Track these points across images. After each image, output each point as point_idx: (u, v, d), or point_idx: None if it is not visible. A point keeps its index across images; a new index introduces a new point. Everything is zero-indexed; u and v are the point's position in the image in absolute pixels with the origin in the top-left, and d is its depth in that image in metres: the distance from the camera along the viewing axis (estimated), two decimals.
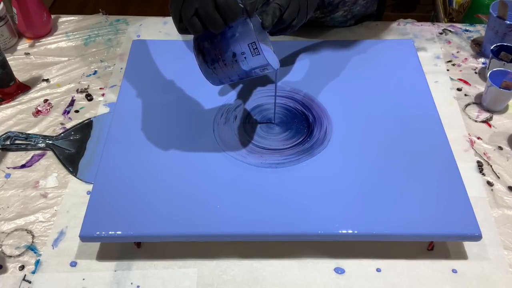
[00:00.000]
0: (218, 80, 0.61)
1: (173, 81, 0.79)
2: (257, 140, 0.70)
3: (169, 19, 0.98)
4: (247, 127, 0.72)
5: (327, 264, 0.62)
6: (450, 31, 0.96)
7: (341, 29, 0.94)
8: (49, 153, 0.75)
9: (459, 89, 0.84)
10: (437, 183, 0.64)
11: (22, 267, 0.62)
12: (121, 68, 0.88)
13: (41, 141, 0.75)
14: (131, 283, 0.60)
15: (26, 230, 0.65)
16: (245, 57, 0.57)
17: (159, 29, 0.96)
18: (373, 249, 0.63)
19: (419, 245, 0.63)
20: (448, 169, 0.65)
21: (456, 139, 0.75)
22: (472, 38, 0.95)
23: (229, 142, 0.69)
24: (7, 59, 0.82)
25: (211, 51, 0.58)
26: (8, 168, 0.73)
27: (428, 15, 1.90)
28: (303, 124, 0.72)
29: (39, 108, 0.82)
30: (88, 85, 0.86)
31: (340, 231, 0.59)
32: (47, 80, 0.87)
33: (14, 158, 0.74)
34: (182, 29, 0.57)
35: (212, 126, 0.72)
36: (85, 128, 0.78)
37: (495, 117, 0.80)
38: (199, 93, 0.76)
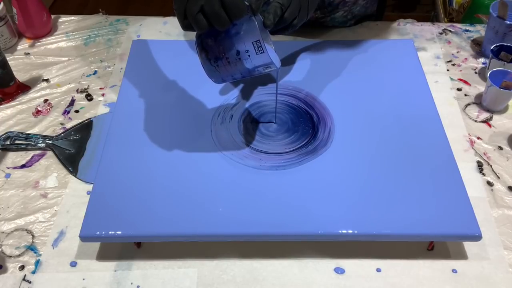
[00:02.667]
0: (220, 78, 0.61)
1: (173, 81, 0.79)
2: (256, 144, 0.69)
3: (169, 19, 0.98)
4: (247, 127, 0.72)
5: (327, 264, 0.62)
6: (450, 31, 0.96)
7: (341, 29, 0.94)
8: (49, 153, 0.75)
9: (459, 89, 0.84)
10: (437, 183, 0.64)
11: (22, 267, 0.62)
12: (121, 68, 0.88)
13: (41, 141, 0.75)
14: (131, 283, 0.60)
15: (26, 230, 0.65)
16: (249, 55, 0.57)
17: (159, 29, 0.96)
18: (373, 249, 0.63)
19: (419, 245, 0.63)
20: (448, 169, 0.65)
21: (456, 139, 0.75)
22: (472, 38, 0.95)
23: (226, 144, 0.69)
24: (7, 59, 0.82)
25: (215, 49, 0.58)
26: (8, 168, 0.73)
27: (428, 15, 1.90)
28: (308, 125, 0.72)
29: (39, 108, 0.82)
30: (88, 85, 0.86)
31: (340, 231, 0.59)
32: (47, 80, 0.87)
33: (14, 158, 0.74)
34: (186, 26, 0.56)
35: (209, 127, 0.72)
36: (85, 128, 0.78)
37: (495, 117, 0.80)
38: (199, 93, 0.76)
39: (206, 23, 0.54)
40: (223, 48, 0.57)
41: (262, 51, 0.57)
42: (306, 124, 0.72)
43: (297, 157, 0.67)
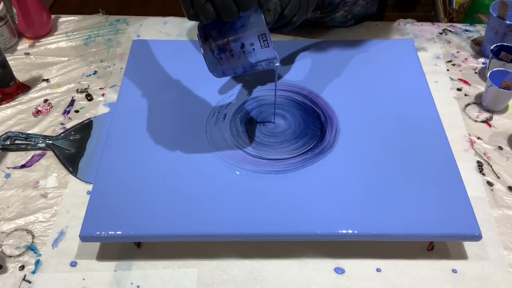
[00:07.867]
0: (221, 72, 0.60)
1: (174, 81, 0.78)
2: (251, 149, 0.68)
3: (169, 19, 0.98)
4: (237, 128, 0.71)
5: (327, 264, 0.62)
6: (450, 31, 0.96)
7: (341, 29, 0.94)
8: (49, 153, 0.75)
9: (459, 89, 0.84)
10: (437, 183, 0.64)
11: (22, 267, 0.62)
12: (121, 68, 0.88)
13: (41, 141, 0.75)
14: (131, 283, 0.60)
15: (26, 230, 0.65)
16: (253, 49, 0.57)
17: (159, 29, 0.96)
18: (373, 249, 0.63)
19: (419, 245, 0.63)
20: (448, 169, 0.65)
21: (456, 139, 0.75)
22: (472, 38, 0.95)
23: (220, 145, 0.69)
24: (7, 59, 0.82)
25: (219, 41, 0.57)
26: (8, 168, 0.73)
27: (428, 15, 1.90)
28: (317, 126, 0.71)
29: (39, 108, 0.82)
30: (88, 85, 0.86)
31: (340, 231, 0.59)
32: (47, 80, 0.87)
33: (14, 158, 0.74)
34: (192, 16, 0.55)
35: (205, 127, 0.71)
36: (85, 128, 0.78)
37: (495, 117, 0.80)
38: (199, 93, 0.76)
39: (214, 12, 0.53)
40: (228, 40, 0.56)
41: (267, 45, 0.56)
42: (315, 125, 0.71)
43: (300, 162, 0.67)
